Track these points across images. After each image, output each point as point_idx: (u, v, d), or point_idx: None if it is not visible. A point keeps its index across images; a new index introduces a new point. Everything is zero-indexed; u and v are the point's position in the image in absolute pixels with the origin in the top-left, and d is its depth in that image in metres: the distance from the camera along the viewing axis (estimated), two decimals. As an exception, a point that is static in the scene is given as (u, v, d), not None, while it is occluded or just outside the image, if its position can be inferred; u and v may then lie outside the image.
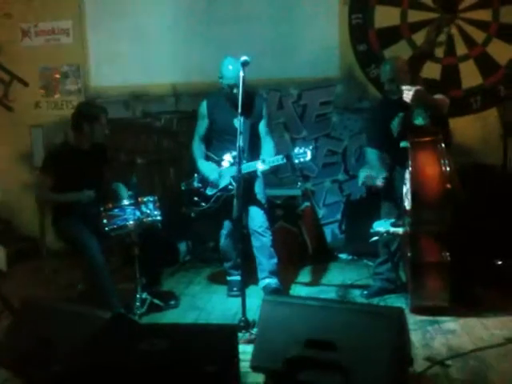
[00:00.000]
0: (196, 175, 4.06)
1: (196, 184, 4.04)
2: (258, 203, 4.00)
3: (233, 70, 3.69)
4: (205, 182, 4.02)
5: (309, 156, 3.65)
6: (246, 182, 3.79)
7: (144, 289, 3.77)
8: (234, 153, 3.65)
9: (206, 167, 4.00)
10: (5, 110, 5.58)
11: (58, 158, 3.85)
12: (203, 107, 4.04)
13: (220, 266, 4.64)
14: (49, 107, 5.54)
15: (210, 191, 4.00)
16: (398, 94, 3.73)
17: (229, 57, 3.81)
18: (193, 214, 4.08)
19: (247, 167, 3.73)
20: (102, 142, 3.99)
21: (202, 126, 4.07)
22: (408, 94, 3.49)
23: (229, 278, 4.17)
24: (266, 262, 3.97)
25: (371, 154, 3.96)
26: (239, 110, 3.41)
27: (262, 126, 3.99)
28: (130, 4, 5.38)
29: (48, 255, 4.89)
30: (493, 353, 2.99)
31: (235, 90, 3.64)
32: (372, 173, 3.87)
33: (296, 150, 3.69)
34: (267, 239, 3.99)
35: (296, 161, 3.68)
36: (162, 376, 2.38)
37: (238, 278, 3.97)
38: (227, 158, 3.93)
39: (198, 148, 4.09)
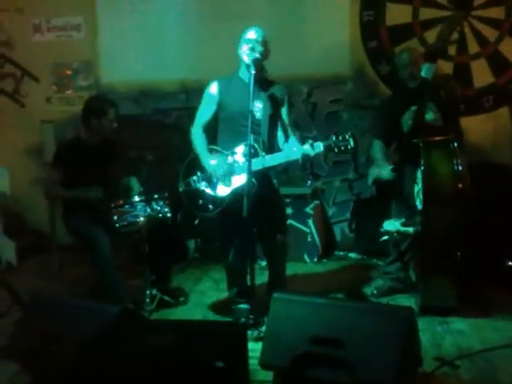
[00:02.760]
0: (199, 173, 3.48)
1: (200, 184, 3.47)
2: (277, 205, 3.60)
3: (253, 38, 3.36)
4: (211, 180, 3.44)
5: (352, 143, 3.20)
6: (264, 179, 3.40)
7: (153, 285, 3.79)
8: (253, 144, 3.25)
9: (210, 162, 3.43)
10: (16, 105, 5.61)
11: (69, 152, 3.87)
12: (213, 89, 3.50)
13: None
14: (60, 103, 5.56)
15: (222, 191, 3.41)
16: (413, 82, 3.73)
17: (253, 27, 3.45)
18: (196, 222, 3.72)
19: (275, 158, 3.32)
20: (112, 138, 3.99)
21: (208, 111, 3.52)
22: (430, 69, 3.50)
23: (234, 307, 3.59)
24: (276, 279, 3.65)
25: (376, 147, 3.96)
26: (251, 104, 3.15)
27: (285, 114, 3.53)
28: (141, 0, 5.38)
29: (58, 250, 4.90)
30: (502, 353, 2.98)
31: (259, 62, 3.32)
32: (379, 171, 3.87)
33: (334, 138, 3.23)
34: (283, 251, 3.62)
35: (336, 150, 3.23)
36: (170, 371, 2.39)
37: (245, 306, 3.52)
38: (240, 151, 3.35)
39: (199, 139, 3.49)
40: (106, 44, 5.48)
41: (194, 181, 3.52)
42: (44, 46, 5.50)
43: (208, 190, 3.46)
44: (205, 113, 3.55)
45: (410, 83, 3.82)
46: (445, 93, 3.74)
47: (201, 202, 3.47)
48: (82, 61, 5.52)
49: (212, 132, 3.57)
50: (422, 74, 3.58)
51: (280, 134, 3.53)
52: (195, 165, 3.51)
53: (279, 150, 3.45)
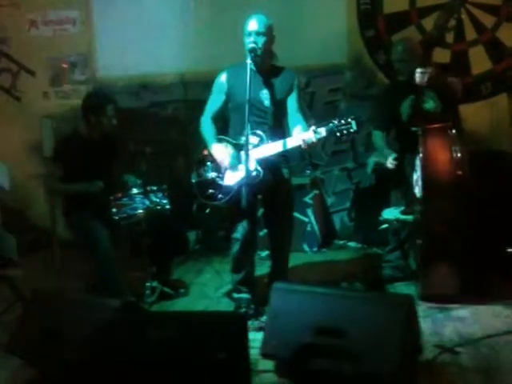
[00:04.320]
0: (209, 163, 3.51)
1: (210, 174, 3.50)
2: (285, 194, 3.55)
3: (253, 29, 3.31)
4: (220, 169, 3.45)
5: (355, 126, 3.14)
6: (272, 167, 3.39)
7: (154, 277, 3.80)
8: (259, 132, 3.30)
9: (219, 151, 3.44)
10: (13, 100, 5.59)
11: (68, 147, 3.87)
12: (222, 79, 3.49)
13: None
14: (57, 97, 5.54)
15: (229, 180, 3.41)
16: (406, 75, 3.73)
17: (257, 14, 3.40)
18: (207, 210, 3.72)
19: (277, 146, 3.27)
20: (112, 133, 3.98)
21: (217, 101, 3.52)
22: (422, 76, 3.47)
23: (236, 296, 3.58)
24: (278, 269, 3.64)
25: (377, 136, 3.96)
26: (247, 96, 3.14)
27: (293, 101, 3.46)
28: (137, -7, 5.37)
29: (59, 245, 4.91)
30: (503, 340, 2.98)
31: (259, 52, 3.28)
32: (381, 158, 3.87)
33: (336, 122, 3.17)
34: (288, 241, 3.62)
35: (338, 134, 3.17)
36: (173, 363, 2.40)
37: (246, 295, 3.53)
38: (250, 140, 3.26)
39: (208, 128, 3.51)
40: (102, 37, 5.46)
41: (204, 170, 3.54)
42: (40, 40, 5.48)
43: (217, 180, 3.47)
44: (214, 102, 3.55)
45: (400, 77, 3.84)
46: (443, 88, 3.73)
47: (210, 191, 3.49)
48: (78, 54, 5.50)
49: (223, 122, 3.60)
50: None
51: (290, 120, 3.49)
52: (206, 155, 3.54)
53: (289, 136, 3.40)
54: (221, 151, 3.43)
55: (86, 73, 5.51)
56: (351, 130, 3.15)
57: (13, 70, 5.56)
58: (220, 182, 3.46)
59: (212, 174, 3.50)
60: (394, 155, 3.78)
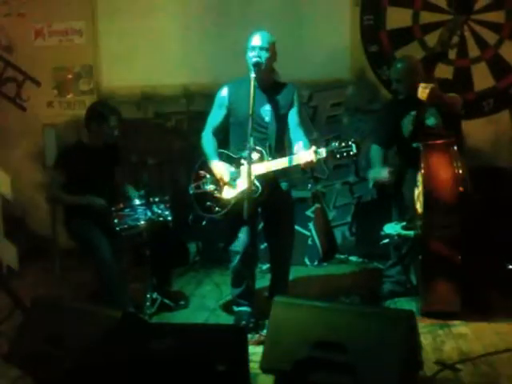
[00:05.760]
0: (208, 176, 3.55)
1: (208, 186, 3.54)
2: (284, 208, 3.59)
3: (257, 44, 3.36)
4: (219, 183, 3.49)
5: (354, 149, 3.15)
6: (271, 183, 3.42)
7: (154, 289, 3.79)
8: (259, 148, 3.31)
9: (218, 167, 3.47)
10: (18, 109, 5.62)
11: (70, 155, 3.89)
12: (223, 93, 3.54)
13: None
14: (61, 107, 5.56)
15: (228, 194, 3.45)
16: (404, 95, 3.75)
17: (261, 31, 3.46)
18: (204, 222, 3.69)
19: (278, 163, 3.30)
20: (114, 143, 4.00)
21: (218, 115, 3.56)
22: (424, 91, 3.49)
23: (236, 309, 3.57)
24: (278, 282, 3.68)
25: (375, 151, 3.97)
26: (251, 108, 3.20)
27: (293, 115, 3.49)
28: (143, 5, 5.39)
29: (60, 254, 4.90)
30: (504, 358, 2.97)
31: (263, 66, 3.34)
32: (376, 174, 3.89)
33: (337, 144, 3.19)
34: (288, 254, 3.64)
35: (338, 156, 3.19)
36: (172, 375, 2.40)
37: (246, 308, 3.52)
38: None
39: (209, 142, 3.55)
40: (107, 48, 5.48)
41: (203, 183, 3.56)
42: (45, 50, 5.51)
43: (215, 193, 3.50)
44: (215, 117, 3.59)
45: (399, 96, 3.87)
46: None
47: (208, 203, 3.52)
48: (83, 65, 5.53)
49: (224, 136, 3.62)
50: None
51: (291, 135, 3.51)
52: (205, 168, 3.57)
53: (290, 152, 3.43)
54: (220, 168, 3.45)
55: (90, 83, 5.53)
56: (351, 153, 3.17)
57: (18, 79, 5.58)
58: (218, 195, 3.49)
59: (210, 187, 3.53)
60: (387, 168, 3.80)
